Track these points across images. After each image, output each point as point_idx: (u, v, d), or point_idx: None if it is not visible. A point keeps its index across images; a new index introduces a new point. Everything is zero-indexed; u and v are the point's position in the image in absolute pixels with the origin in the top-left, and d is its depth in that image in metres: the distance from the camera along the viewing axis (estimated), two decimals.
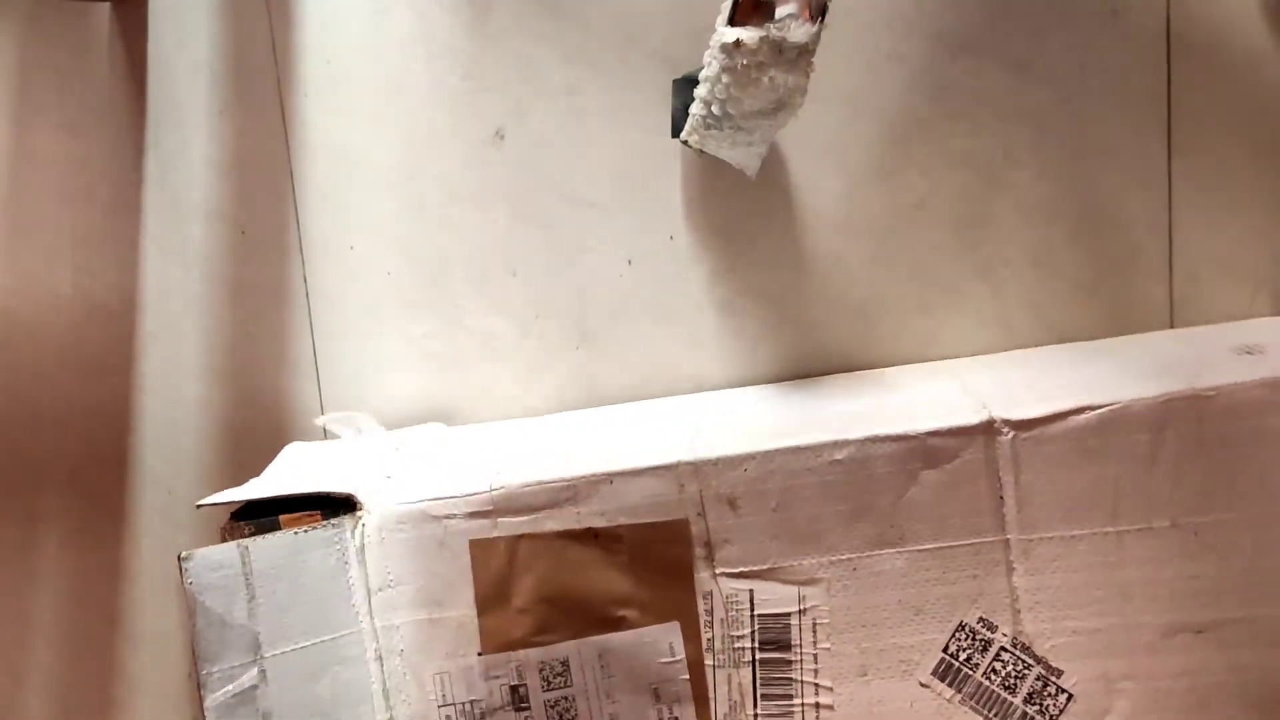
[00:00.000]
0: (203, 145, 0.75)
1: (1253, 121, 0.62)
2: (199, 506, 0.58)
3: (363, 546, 0.57)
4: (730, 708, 0.55)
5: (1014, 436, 0.52)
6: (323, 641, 0.56)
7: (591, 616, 0.55)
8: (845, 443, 0.53)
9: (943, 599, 0.53)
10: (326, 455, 0.67)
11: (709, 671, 0.55)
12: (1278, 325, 0.62)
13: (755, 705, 0.55)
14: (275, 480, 0.61)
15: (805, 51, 0.53)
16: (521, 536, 0.55)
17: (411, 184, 0.72)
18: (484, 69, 0.69)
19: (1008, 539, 0.52)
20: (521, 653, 0.55)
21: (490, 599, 0.56)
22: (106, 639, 0.82)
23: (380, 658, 0.57)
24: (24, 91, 0.77)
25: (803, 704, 0.55)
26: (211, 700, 0.54)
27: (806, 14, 0.52)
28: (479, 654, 0.56)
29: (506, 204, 0.70)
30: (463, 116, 0.70)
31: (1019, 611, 0.53)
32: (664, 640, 0.55)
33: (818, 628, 0.54)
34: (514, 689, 0.56)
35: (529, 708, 0.56)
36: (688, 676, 0.55)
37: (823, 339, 0.68)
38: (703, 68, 0.56)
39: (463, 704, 0.56)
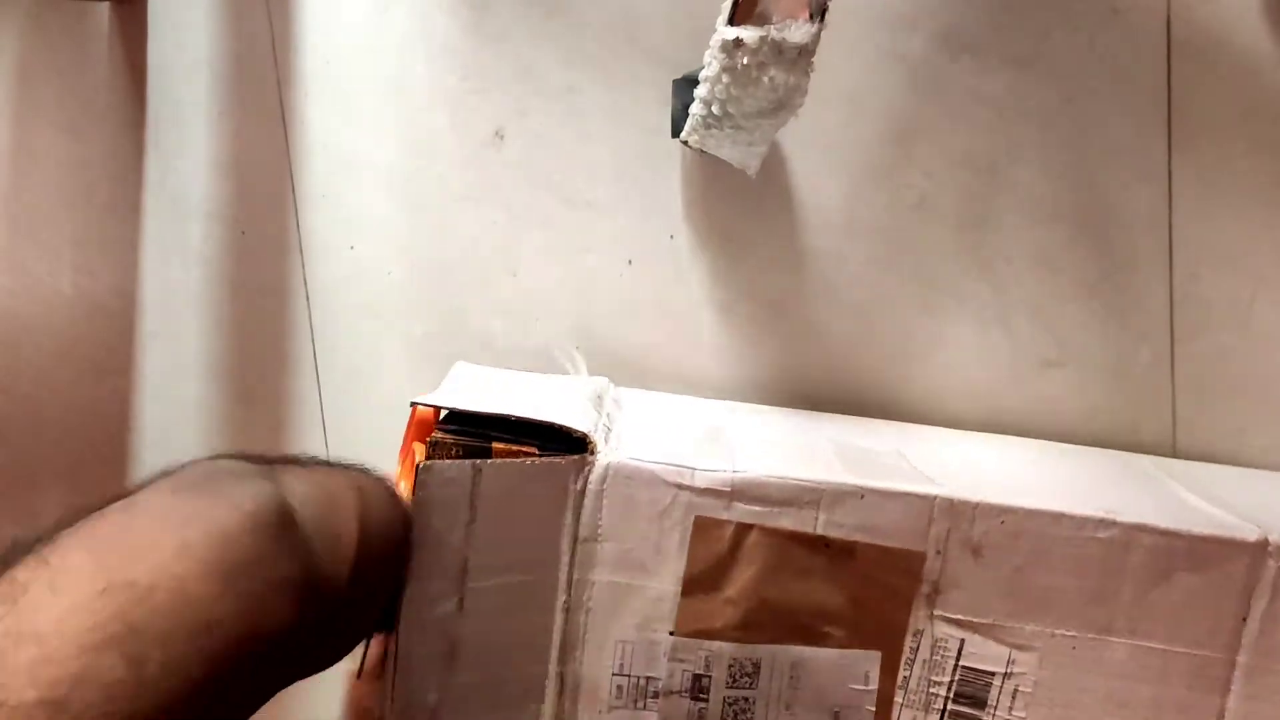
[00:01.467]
0: (203, 145, 0.75)
1: (1253, 119, 0.62)
2: (413, 404, 0.56)
3: (583, 491, 0.54)
4: None
5: None
6: (522, 581, 0.53)
7: (797, 626, 0.53)
8: (1113, 524, 0.51)
9: (1149, 701, 0.52)
10: (513, 384, 0.63)
11: (896, 709, 0.53)
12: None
13: None
14: (479, 395, 0.57)
15: (805, 51, 0.53)
16: (752, 526, 0.53)
17: (411, 184, 0.72)
18: (484, 69, 0.69)
19: (1236, 659, 0.51)
20: (716, 644, 0.53)
21: (700, 581, 0.53)
22: None
23: (568, 610, 0.54)
24: (24, 91, 0.77)
25: None
26: (408, 618, 0.51)
27: (806, 14, 0.52)
28: (670, 633, 0.53)
29: (506, 204, 0.70)
30: (463, 116, 0.70)
31: None
32: (861, 666, 0.53)
33: (1018, 695, 0.53)
34: (697, 677, 0.53)
35: (706, 700, 0.53)
36: (874, 709, 0.53)
37: (823, 339, 0.68)
38: (703, 68, 0.56)
39: (639, 678, 0.54)
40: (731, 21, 0.52)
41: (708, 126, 0.59)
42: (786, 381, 0.69)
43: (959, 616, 0.53)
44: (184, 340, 0.77)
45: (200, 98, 0.74)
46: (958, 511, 0.52)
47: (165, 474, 0.38)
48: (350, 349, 0.74)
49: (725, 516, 0.53)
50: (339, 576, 0.39)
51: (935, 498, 0.52)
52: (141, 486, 0.37)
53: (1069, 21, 0.63)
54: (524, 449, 0.53)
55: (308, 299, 0.74)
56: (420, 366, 0.73)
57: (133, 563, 0.31)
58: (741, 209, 0.68)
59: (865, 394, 0.68)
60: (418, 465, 0.51)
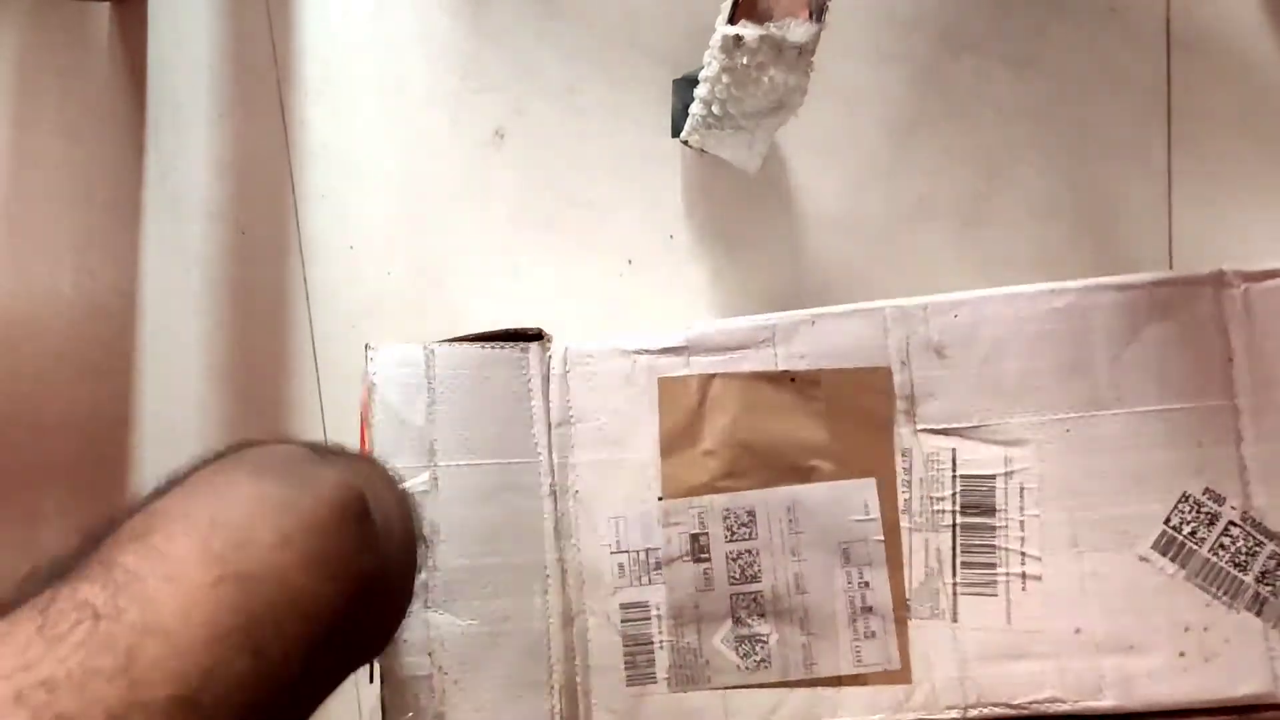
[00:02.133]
0: (203, 146, 0.75)
1: (1253, 118, 0.62)
2: (367, 347, 0.56)
3: (546, 376, 0.55)
4: (927, 574, 0.51)
5: (1246, 290, 0.48)
6: (498, 464, 0.53)
7: (783, 464, 0.51)
8: (1065, 290, 0.50)
9: (1164, 467, 0.49)
10: None
11: (905, 534, 0.51)
12: None
13: (954, 573, 0.51)
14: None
15: (805, 51, 0.53)
16: (714, 375, 0.52)
17: (411, 184, 0.72)
18: (484, 69, 0.69)
19: (1236, 403, 0.48)
20: (706, 498, 0.52)
21: (676, 440, 0.53)
22: None
23: (554, 494, 0.54)
24: (24, 92, 0.77)
25: (1008, 574, 0.50)
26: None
27: (805, 14, 0.52)
28: (659, 498, 0.53)
29: (506, 204, 0.70)
30: (463, 116, 0.70)
31: (1249, 483, 0.48)
32: (858, 496, 0.51)
33: (1025, 493, 0.50)
34: (694, 537, 0.52)
35: (709, 559, 0.52)
36: (881, 538, 0.51)
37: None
38: (703, 68, 0.56)
39: (638, 552, 0.53)
40: (731, 21, 0.52)
41: (708, 126, 0.59)
42: None
43: (943, 425, 0.51)
44: (184, 340, 0.77)
45: (200, 98, 0.74)
46: (910, 315, 0.51)
47: (225, 456, 0.37)
48: (350, 349, 0.74)
49: (686, 372, 0.53)
50: (393, 565, 0.40)
51: (885, 308, 0.51)
52: (203, 465, 0.36)
53: (1068, 20, 0.63)
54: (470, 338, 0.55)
55: (308, 299, 0.74)
56: None
57: (239, 553, 0.31)
58: (741, 209, 0.68)
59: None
60: (365, 345, 0.53)
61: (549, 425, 0.54)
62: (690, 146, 0.64)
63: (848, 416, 0.51)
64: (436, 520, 0.53)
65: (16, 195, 0.78)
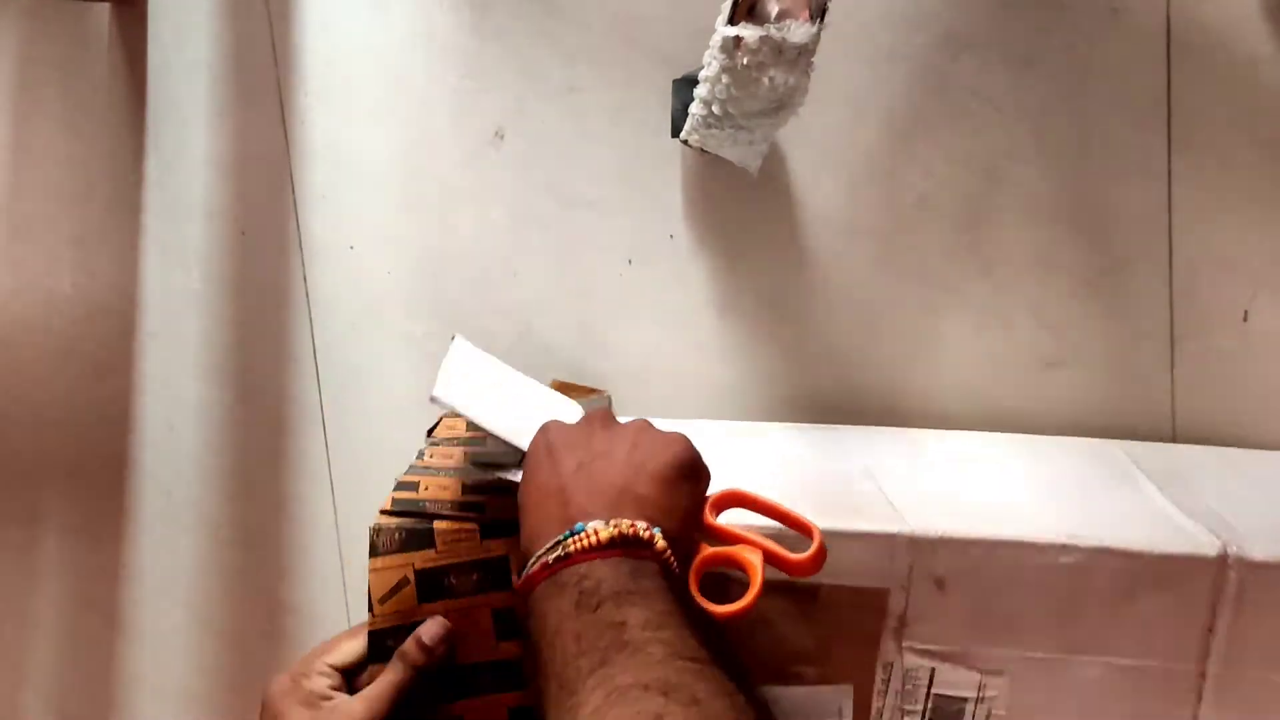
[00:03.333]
0: (203, 145, 0.75)
1: (1253, 119, 0.62)
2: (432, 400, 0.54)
3: None
4: None
5: (1243, 579, 0.50)
6: None
7: (768, 668, 0.53)
8: (1076, 549, 0.51)
9: (1124, 715, 0.52)
10: (502, 392, 0.61)
11: None
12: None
13: None
14: (471, 400, 0.57)
15: (805, 51, 0.53)
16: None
17: (411, 184, 0.71)
18: (484, 69, 0.69)
19: (1205, 670, 0.51)
20: None
21: None
22: (107, 638, 0.82)
23: None
24: (24, 91, 0.77)
25: None
26: None
27: (805, 14, 0.52)
28: None
29: (506, 204, 0.70)
30: (463, 116, 0.70)
31: None
32: (834, 702, 0.53)
33: (991, 718, 0.53)
34: None
35: None
36: None
37: (823, 338, 0.68)
38: (703, 68, 0.56)
39: None
40: (731, 21, 0.52)
41: (708, 126, 0.59)
42: (786, 381, 0.69)
43: (928, 647, 0.53)
44: (184, 340, 0.77)
45: (200, 98, 0.74)
46: (920, 547, 0.52)
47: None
48: (350, 349, 0.74)
49: None
50: None
51: (896, 535, 0.52)
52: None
53: (1069, 21, 0.63)
54: (464, 526, 0.54)
55: (308, 299, 0.74)
56: (420, 366, 0.73)
57: None
58: (741, 209, 0.68)
59: (865, 393, 0.68)
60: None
61: None
62: (690, 146, 0.64)
63: (838, 629, 0.53)
64: None
65: (17, 194, 0.78)
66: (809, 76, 0.54)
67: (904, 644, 0.53)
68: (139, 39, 0.75)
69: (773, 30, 0.51)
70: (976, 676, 0.52)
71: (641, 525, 0.40)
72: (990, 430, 0.66)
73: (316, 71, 0.72)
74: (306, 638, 0.78)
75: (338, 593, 0.78)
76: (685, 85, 0.62)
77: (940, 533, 0.51)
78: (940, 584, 0.52)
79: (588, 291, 0.70)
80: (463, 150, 0.70)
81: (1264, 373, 0.65)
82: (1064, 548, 0.51)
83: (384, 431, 0.74)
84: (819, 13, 0.52)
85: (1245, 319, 0.64)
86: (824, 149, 0.66)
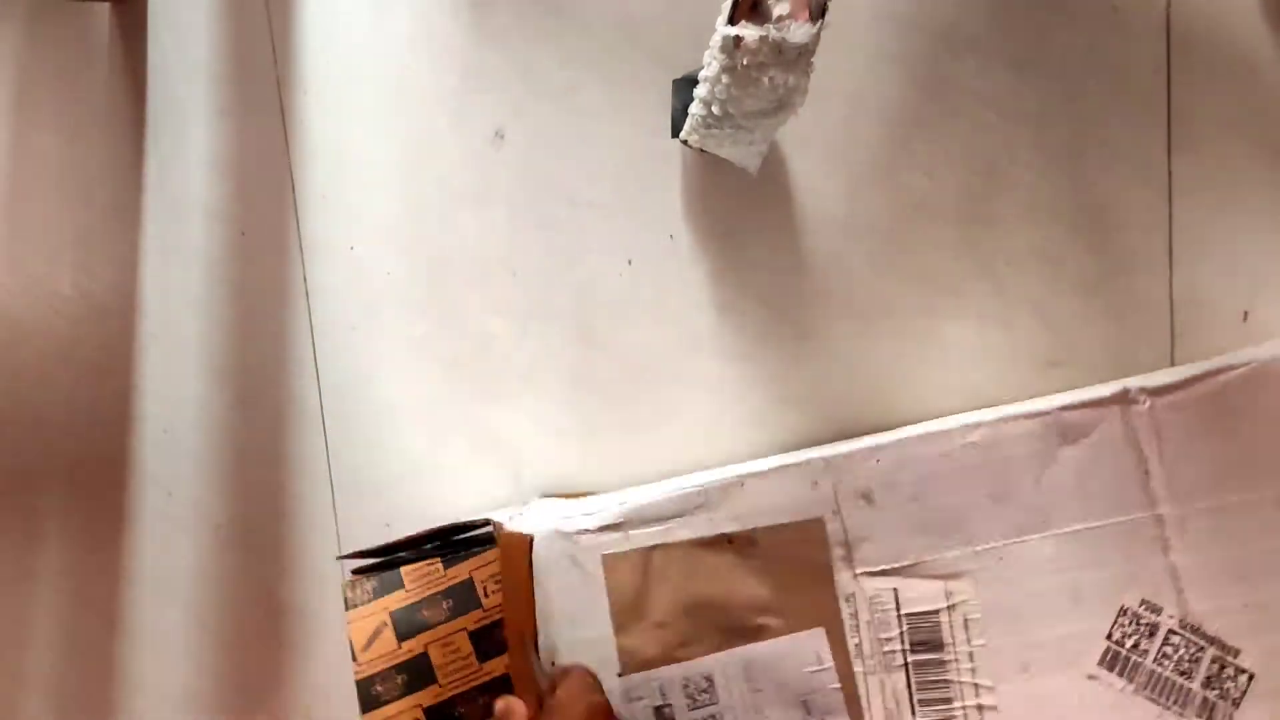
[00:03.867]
0: (203, 146, 0.75)
1: (1253, 119, 0.62)
2: (339, 558, 0.59)
3: None
4: (887, 715, 0.52)
5: (1151, 405, 0.49)
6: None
7: (732, 626, 0.53)
8: (978, 425, 0.51)
9: (1099, 583, 0.50)
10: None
11: (860, 679, 0.52)
12: None
13: (913, 712, 0.52)
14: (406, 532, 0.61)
15: (805, 51, 0.53)
16: (654, 547, 0.54)
17: (411, 184, 0.72)
18: (484, 69, 0.69)
19: (1159, 514, 0.49)
20: (663, 670, 0.53)
21: (626, 614, 0.54)
22: (106, 639, 0.82)
23: None
24: (24, 92, 0.77)
25: (964, 706, 0.51)
26: None
27: (805, 14, 0.52)
28: (618, 675, 0.54)
29: (506, 204, 0.70)
30: (463, 116, 0.70)
31: (1182, 590, 0.49)
32: (809, 648, 0.52)
33: (969, 624, 0.51)
34: (658, 709, 0.54)
35: None
36: (838, 685, 0.52)
37: (823, 338, 0.68)
38: (703, 68, 0.56)
39: None
40: (731, 21, 0.52)
41: (708, 126, 0.59)
42: (786, 381, 0.69)
43: (881, 567, 0.52)
44: (184, 340, 0.77)
45: (200, 98, 0.74)
46: (834, 466, 0.52)
47: None
48: (350, 349, 0.74)
49: (627, 547, 0.54)
50: None
51: (809, 461, 0.52)
52: None
53: (1069, 21, 0.63)
54: (428, 562, 0.56)
55: (308, 299, 0.74)
56: (420, 366, 0.73)
57: None
58: (741, 209, 0.68)
59: (865, 393, 0.68)
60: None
61: None
62: (690, 146, 0.64)
63: (788, 570, 0.52)
64: None
65: (16, 195, 0.78)
66: (809, 76, 0.54)
67: (857, 571, 0.52)
68: (139, 39, 0.75)
69: (773, 30, 0.51)
70: (940, 585, 0.52)
71: None
72: None
73: (316, 71, 0.72)
74: (306, 638, 0.78)
75: (337, 593, 0.78)
76: (685, 85, 0.62)
77: (849, 448, 0.52)
78: (868, 498, 0.52)
79: (588, 291, 0.70)
80: (463, 150, 0.70)
81: None
82: (968, 427, 0.52)
83: (384, 431, 0.74)
84: (819, 13, 0.52)
85: (1245, 319, 0.64)
86: (824, 149, 0.66)
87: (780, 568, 0.52)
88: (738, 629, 0.53)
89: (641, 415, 0.70)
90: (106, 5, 0.75)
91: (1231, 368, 0.49)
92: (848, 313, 0.67)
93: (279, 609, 0.78)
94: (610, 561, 0.54)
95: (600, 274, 0.70)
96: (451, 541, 0.58)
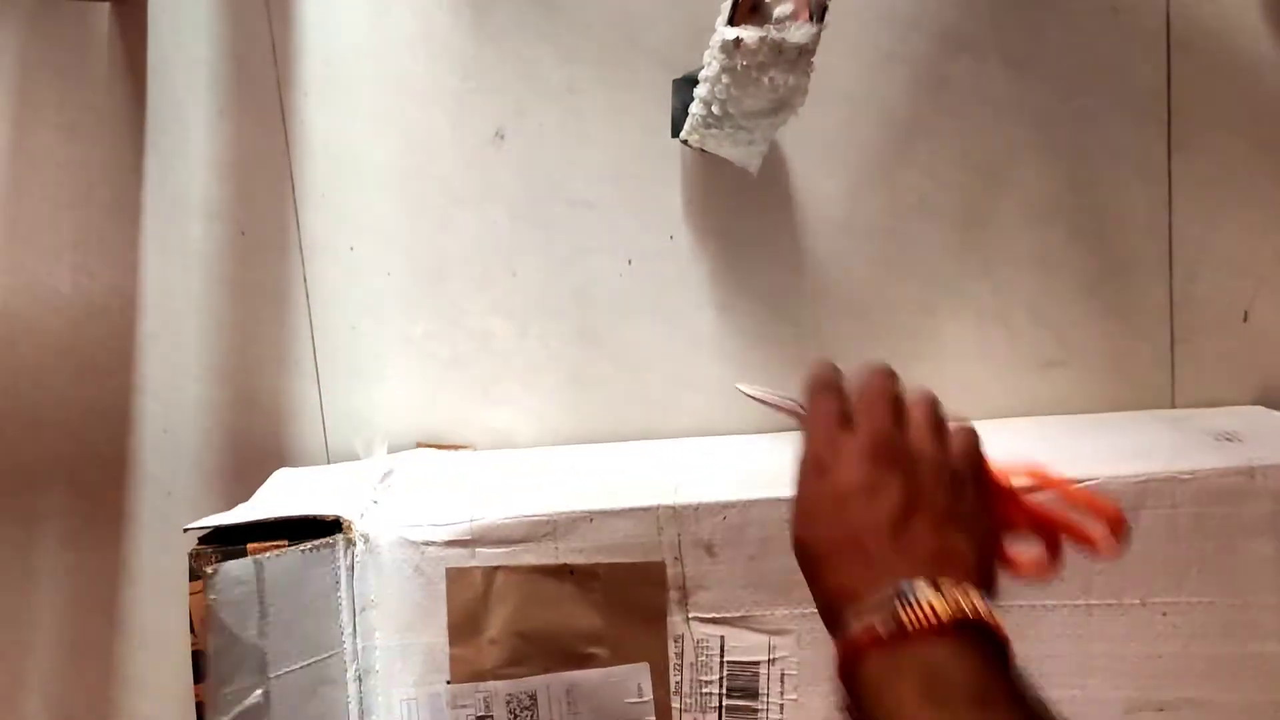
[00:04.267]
0: (203, 145, 0.74)
1: (1252, 119, 0.62)
2: (186, 530, 0.58)
3: (351, 567, 0.58)
4: None
5: None
6: (316, 661, 0.57)
7: (562, 652, 0.55)
8: None
9: None
10: (315, 480, 0.67)
11: (675, 714, 0.55)
12: (1258, 414, 0.63)
13: None
14: (262, 505, 0.61)
15: (805, 51, 0.53)
16: (498, 568, 0.55)
17: (411, 184, 0.71)
18: (484, 69, 0.69)
19: None
20: (490, 684, 0.56)
21: (462, 628, 0.56)
22: (106, 639, 0.82)
23: (359, 678, 0.57)
24: (24, 92, 0.77)
25: None
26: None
27: (805, 14, 0.52)
28: (447, 682, 0.56)
29: (506, 204, 0.70)
30: (463, 116, 0.70)
31: None
32: (632, 680, 0.55)
33: (785, 679, 0.54)
34: (480, 719, 0.56)
35: None
36: (654, 718, 0.55)
37: (823, 338, 0.68)
38: (703, 68, 0.56)
39: None
40: (731, 22, 0.52)
41: (708, 126, 0.59)
42: (786, 381, 0.69)
43: (713, 615, 0.54)
44: (184, 340, 0.77)
45: (200, 98, 0.74)
46: (682, 516, 0.54)
47: None
48: (350, 349, 0.74)
49: (473, 564, 0.56)
50: None
51: (658, 507, 0.54)
52: None
53: (1069, 21, 0.63)
54: (275, 544, 0.56)
55: (308, 299, 0.74)
56: (420, 366, 0.73)
57: None
58: (741, 209, 0.67)
59: None
60: (207, 571, 0.54)
61: (354, 611, 0.58)
62: (690, 146, 0.64)
63: (624, 606, 0.55)
64: None
65: (16, 195, 0.78)
66: (809, 76, 0.54)
67: (690, 614, 0.55)
68: (139, 39, 0.75)
69: (773, 30, 0.51)
70: (765, 639, 0.54)
71: (982, 606, 0.35)
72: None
73: (316, 71, 0.72)
74: None
75: None
76: (685, 85, 0.62)
77: (699, 499, 0.54)
78: (710, 550, 0.54)
79: (588, 291, 0.70)
80: (463, 150, 0.70)
81: (1264, 373, 0.65)
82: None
83: (384, 431, 0.74)
84: (819, 13, 0.52)
85: (1245, 319, 0.64)
86: (824, 149, 0.66)
87: (617, 602, 0.55)
88: (568, 655, 0.55)
89: (641, 415, 0.70)
90: (106, 5, 0.75)
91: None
92: (848, 313, 0.67)
93: None
94: (454, 575, 0.57)
95: (600, 274, 0.70)
96: (303, 529, 0.58)
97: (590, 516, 0.55)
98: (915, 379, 0.67)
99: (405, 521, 0.57)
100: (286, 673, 0.56)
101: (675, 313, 0.69)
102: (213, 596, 0.54)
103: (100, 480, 0.79)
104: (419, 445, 0.72)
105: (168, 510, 0.79)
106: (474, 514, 0.56)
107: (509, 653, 0.55)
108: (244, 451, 0.77)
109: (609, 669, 0.55)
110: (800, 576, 0.50)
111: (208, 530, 0.58)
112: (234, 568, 0.54)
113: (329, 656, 0.57)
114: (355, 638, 0.57)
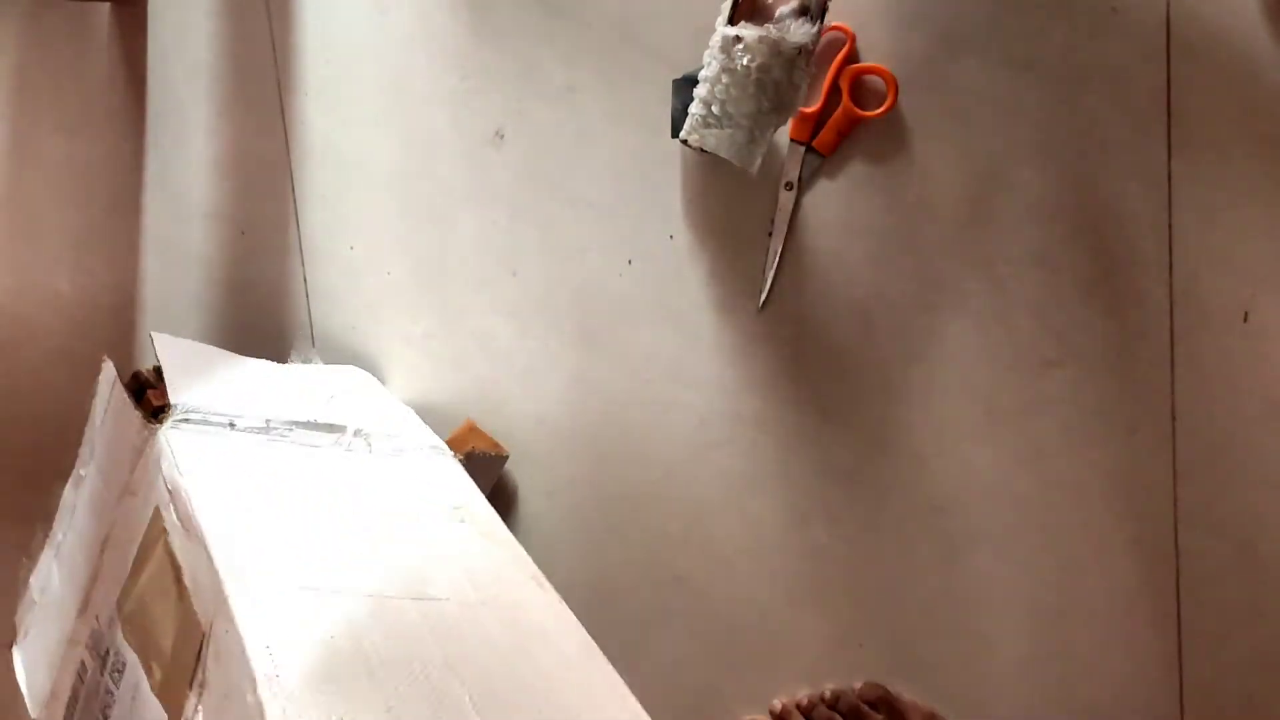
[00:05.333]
0: (203, 145, 0.75)
1: (1253, 119, 0.62)
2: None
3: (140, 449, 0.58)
4: None
5: None
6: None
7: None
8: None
9: None
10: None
11: None
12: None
13: None
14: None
15: (805, 51, 0.53)
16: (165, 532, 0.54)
17: (411, 184, 0.72)
18: (484, 69, 0.69)
19: None
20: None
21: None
22: None
23: None
24: (24, 92, 0.77)
25: None
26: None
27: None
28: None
29: (506, 204, 0.70)
30: (463, 116, 0.70)
31: None
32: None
33: None
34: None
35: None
36: None
37: (823, 338, 0.68)
38: (703, 68, 0.56)
39: None
40: (731, 21, 0.52)
41: (707, 126, 0.59)
42: (786, 382, 0.69)
43: None
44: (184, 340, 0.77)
45: (200, 98, 0.74)
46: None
47: None
48: (350, 349, 0.74)
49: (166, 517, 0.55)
50: None
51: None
52: None
53: (1069, 21, 0.63)
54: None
55: (308, 299, 0.74)
56: (420, 366, 0.73)
57: None
58: (741, 209, 0.68)
59: (864, 393, 0.68)
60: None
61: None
62: (690, 146, 0.64)
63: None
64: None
65: (16, 195, 0.78)
66: (809, 76, 0.54)
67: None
68: (139, 39, 0.75)
69: (772, 30, 0.51)
70: None
71: None
72: (990, 430, 0.66)
73: (316, 71, 0.72)
74: None
75: None
76: (685, 85, 0.62)
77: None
78: None
79: (588, 291, 0.70)
80: (463, 151, 0.70)
81: (1264, 373, 0.65)
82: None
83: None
84: (819, 13, 0.52)
85: (1245, 319, 0.64)
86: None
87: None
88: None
89: (641, 415, 0.70)
90: (106, 5, 0.75)
91: None
92: (848, 312, 0.67)
93: None
94: (156, 518, 0.55)
95: (600, 274, 0.70)
96: None
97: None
98: (915, 379, 0.67)
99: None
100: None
101: (675, 313, 0.69)
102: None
103: None
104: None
105: None
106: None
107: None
108: None
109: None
110: None
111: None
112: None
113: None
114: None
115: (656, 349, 0.70)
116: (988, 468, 0.65)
